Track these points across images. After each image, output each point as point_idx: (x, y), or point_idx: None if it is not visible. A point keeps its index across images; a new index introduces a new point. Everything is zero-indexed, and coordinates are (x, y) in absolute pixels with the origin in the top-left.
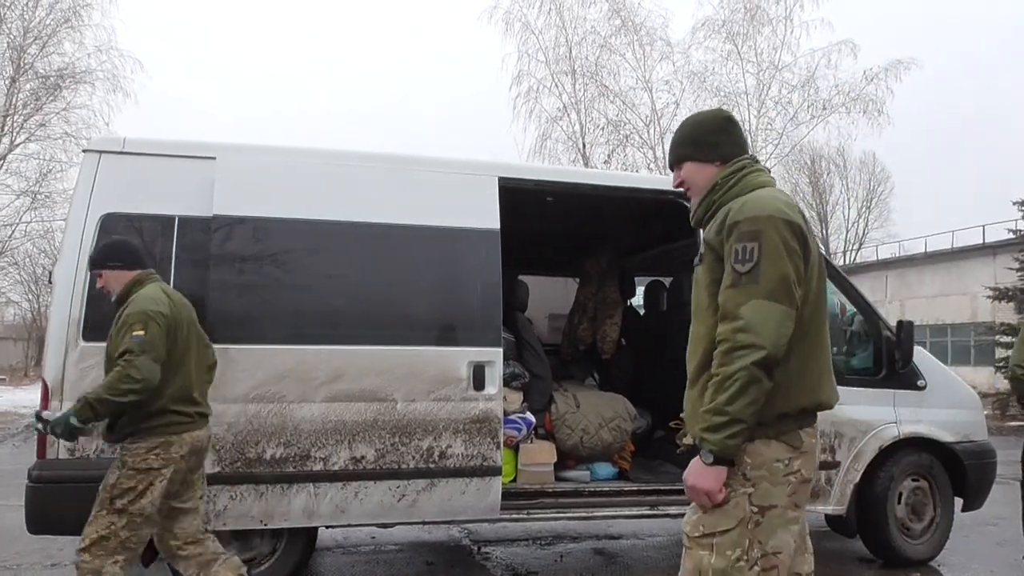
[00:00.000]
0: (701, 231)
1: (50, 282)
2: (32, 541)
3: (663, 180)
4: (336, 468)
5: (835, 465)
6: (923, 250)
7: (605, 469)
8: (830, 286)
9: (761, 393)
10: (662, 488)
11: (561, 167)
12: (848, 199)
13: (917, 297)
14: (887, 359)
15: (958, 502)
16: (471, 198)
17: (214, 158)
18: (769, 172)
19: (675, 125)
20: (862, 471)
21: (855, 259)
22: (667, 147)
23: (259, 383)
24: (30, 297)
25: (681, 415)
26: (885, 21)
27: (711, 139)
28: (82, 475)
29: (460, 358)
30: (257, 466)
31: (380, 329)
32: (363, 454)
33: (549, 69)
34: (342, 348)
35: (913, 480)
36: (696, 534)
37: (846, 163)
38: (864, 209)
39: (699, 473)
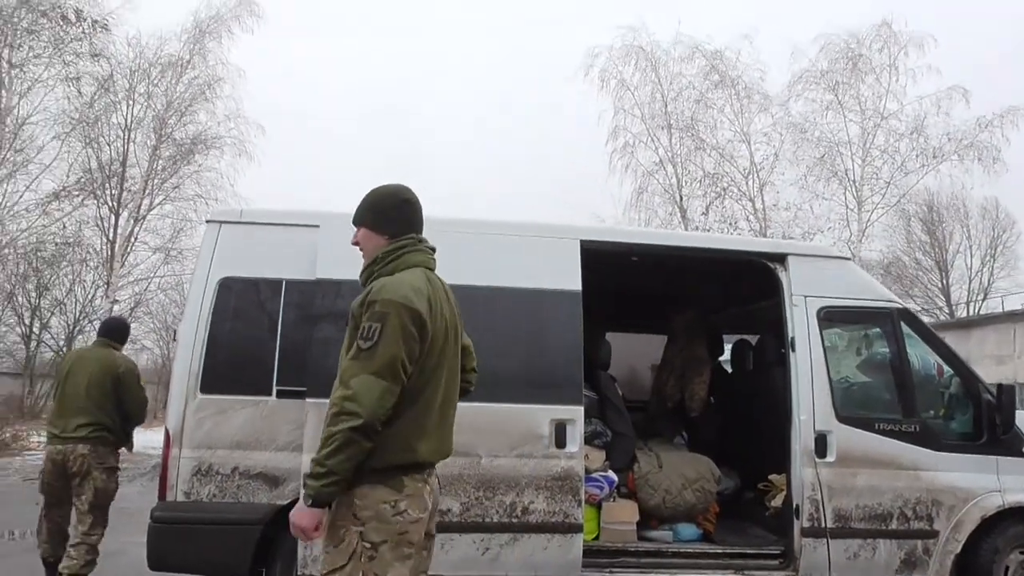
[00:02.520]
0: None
1: (175, 339)
2: None
3: (744, 241)
4: None
5: (933, 534)
6: None
7: (689, 530)
8: (923, 346)
9: (358, 452)
10: (748, 552)
11: (642, 229)
12: (970, 247)
13: None
14: (988, 424)
15: None
16: (554, 260)
17: (318, 226)
18: (432, 251)
19: (775, 177)
20: (963, 542)
21: (979, 310)
22: (767, 199)
23: None
24: (161, 344)
25: (770, 477)
26: (1001, 64)
27: (384, 215)
28: (195, 517)
29: (542, 416)
30: None
31: None
32: (449, 507)
33: (645, 124)
34: None
35: (1021, 553)
36: (324, 572)
37: (966, 210)
38: (988, 257)
39: (299, 512)
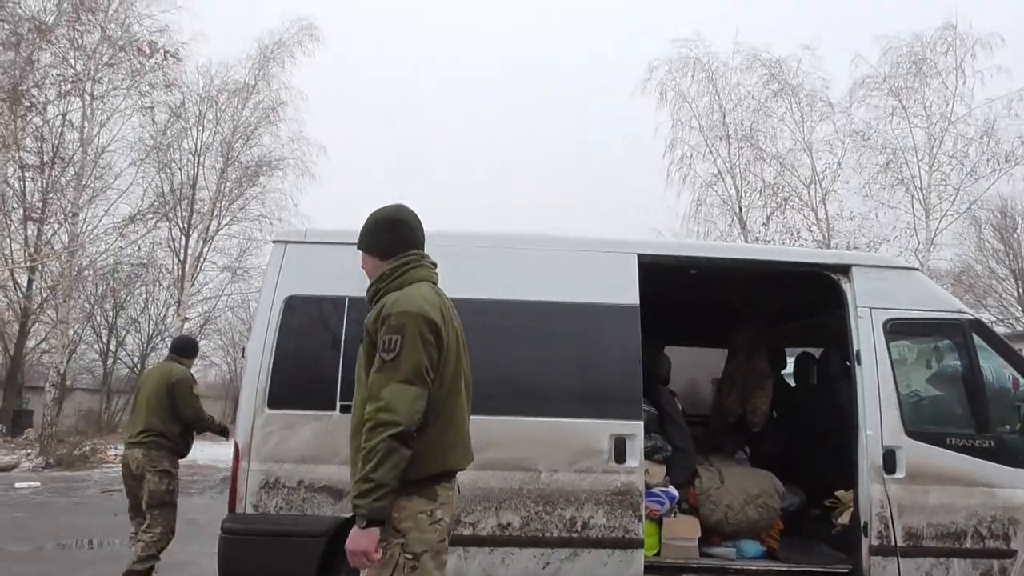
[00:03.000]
0: None
1: (243, 356)
2: None
3: (806, 252)
4: (484, 534)
5: (1010, 554)
6: None
7: (752, 547)
8: (997, 359)
9: (401, 460)
10: (814, 570)
11: (700, 242)
12: None
13: None
14: None
15: None
16: (611, 275)
17: None
18: (434, 266)
19: (838, 186)
20: None
21: None
22: (830, 208)
23: None
24: (229, 360)
25: (836, 493)
26: None
27: (374, 237)
28: (262, 529)
29: (601, 430)
30: None
31: (525, 401)
32: (509, 521)
33: (703, 135)
34: (490, 418)
35: None
36: None
37: None
38: None
39: (355, 538)
